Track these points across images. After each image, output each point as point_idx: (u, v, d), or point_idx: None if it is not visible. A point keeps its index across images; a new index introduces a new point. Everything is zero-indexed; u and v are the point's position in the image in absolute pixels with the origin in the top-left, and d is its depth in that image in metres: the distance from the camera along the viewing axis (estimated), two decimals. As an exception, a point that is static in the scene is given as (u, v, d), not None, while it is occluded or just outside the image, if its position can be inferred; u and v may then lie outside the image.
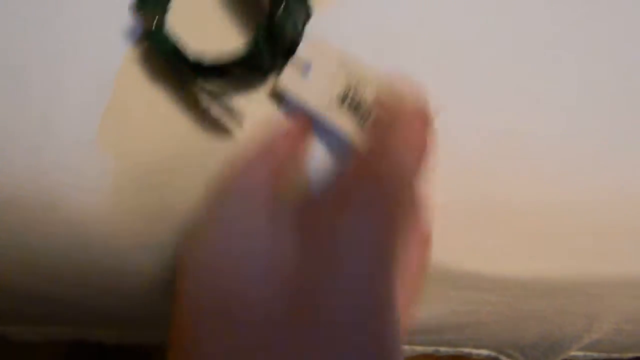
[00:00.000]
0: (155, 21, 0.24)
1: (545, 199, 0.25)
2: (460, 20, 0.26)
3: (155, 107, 0.24)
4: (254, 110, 0.25)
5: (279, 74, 0.25)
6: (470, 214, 0.25)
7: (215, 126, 0.25)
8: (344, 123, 0.25)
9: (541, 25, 0.26)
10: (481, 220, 0.25)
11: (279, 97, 0.26)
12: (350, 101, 0.25)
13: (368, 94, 0.25)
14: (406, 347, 0.37)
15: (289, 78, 0.25)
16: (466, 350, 0.37)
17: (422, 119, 0.21)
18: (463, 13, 0.26)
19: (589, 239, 0.25)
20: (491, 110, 0.25)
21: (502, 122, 0.25)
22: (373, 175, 0.19)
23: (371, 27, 0.26)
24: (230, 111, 0.24)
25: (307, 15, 0.26)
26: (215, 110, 0.24)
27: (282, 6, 0.23)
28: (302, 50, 0.25)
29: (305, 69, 0.25)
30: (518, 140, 0.25)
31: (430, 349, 0.37)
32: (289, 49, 0.25)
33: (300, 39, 0.25)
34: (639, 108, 0.25)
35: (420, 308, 0.27)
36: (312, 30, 0.25)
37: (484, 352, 0.38)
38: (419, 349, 0.37)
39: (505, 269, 0.26)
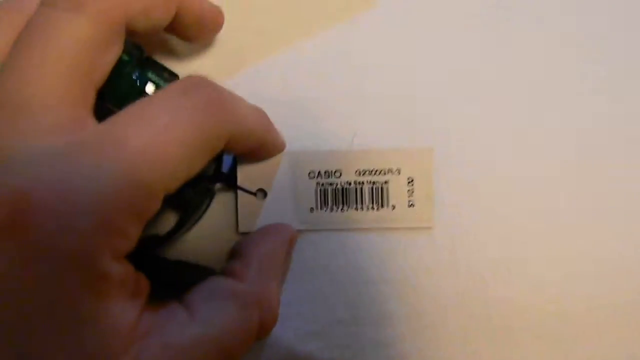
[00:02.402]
0: None
1: (549, 300, 0.23)
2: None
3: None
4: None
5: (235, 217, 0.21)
6: (464, 320, 0.23)
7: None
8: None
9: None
10: (478, 327, 0.23)
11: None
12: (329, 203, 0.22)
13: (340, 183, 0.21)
14: None
15: (246, 213, 0.21)
16: None
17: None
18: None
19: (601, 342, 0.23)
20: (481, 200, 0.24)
21: (496, 210, 0.24)
22: None
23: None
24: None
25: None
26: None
27: None
28: (243, 176, 0.21)
29: (259, 195, 0.21)
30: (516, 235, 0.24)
31: None
32: (227, 181, 0.21)
33: (230, 168, 0.21)
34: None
35: None
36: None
37: None
38: None
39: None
